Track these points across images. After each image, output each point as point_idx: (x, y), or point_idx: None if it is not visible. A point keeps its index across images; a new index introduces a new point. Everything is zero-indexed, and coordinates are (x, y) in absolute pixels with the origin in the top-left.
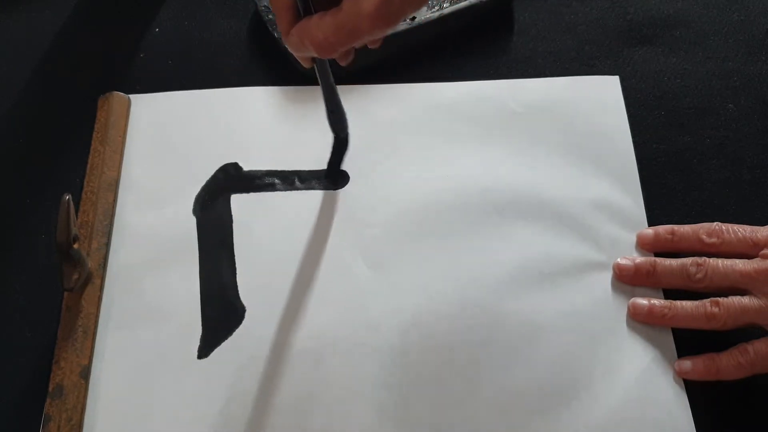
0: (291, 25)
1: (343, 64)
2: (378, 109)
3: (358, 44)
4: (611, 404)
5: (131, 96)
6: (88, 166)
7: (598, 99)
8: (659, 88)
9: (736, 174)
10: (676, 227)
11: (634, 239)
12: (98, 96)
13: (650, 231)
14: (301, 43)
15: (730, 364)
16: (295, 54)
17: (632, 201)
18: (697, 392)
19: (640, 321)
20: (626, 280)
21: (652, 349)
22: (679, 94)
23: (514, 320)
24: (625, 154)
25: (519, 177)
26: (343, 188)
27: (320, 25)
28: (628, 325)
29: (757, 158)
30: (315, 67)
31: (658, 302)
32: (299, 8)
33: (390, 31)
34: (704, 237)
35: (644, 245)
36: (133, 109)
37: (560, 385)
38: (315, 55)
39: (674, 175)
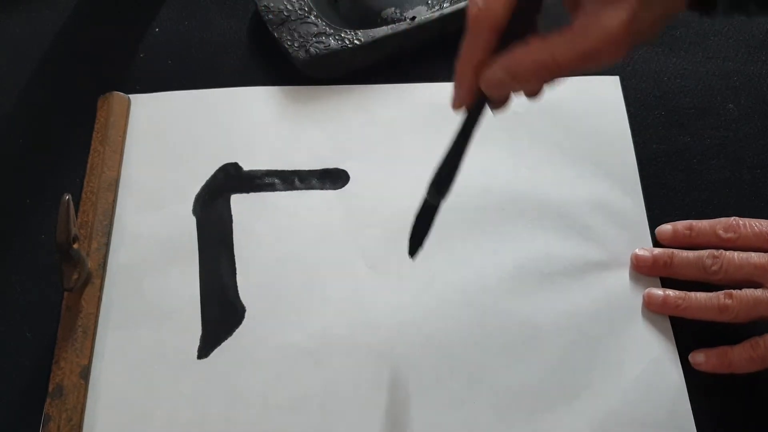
0: (488, 51)
1: (496, 114)
2: (378, 109)
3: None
4: (611, 403)
5: (131, 96)
6: (88, 166)
7: (598, 99)
8: (659, 88)
9: (736, 174)
10: (694, 222)
11: (634, 239)
12: (98, 96)
13: (669, 226)
14: (510, 75)
15: (742, 357)
16: (468, 88)
17: (632, 201)
18: (698, 391)
19: (655, 311)
20: (644, 270)
21: (652, 348)
22: (679, 94)
23: (514, 320)
24: (625, 154)
25: (519, 177)
26: (343, 188)
27: (546, 49)
28: (628, 324)
29: (757, 158)
30: (464, 116)
31: (672, 293)
32: (510, 32)
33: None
34: (721, 232)
35: (663, 240)
36: (133, 109)
37: (560, 384)
38: (513, 92)
39: (674, 175)
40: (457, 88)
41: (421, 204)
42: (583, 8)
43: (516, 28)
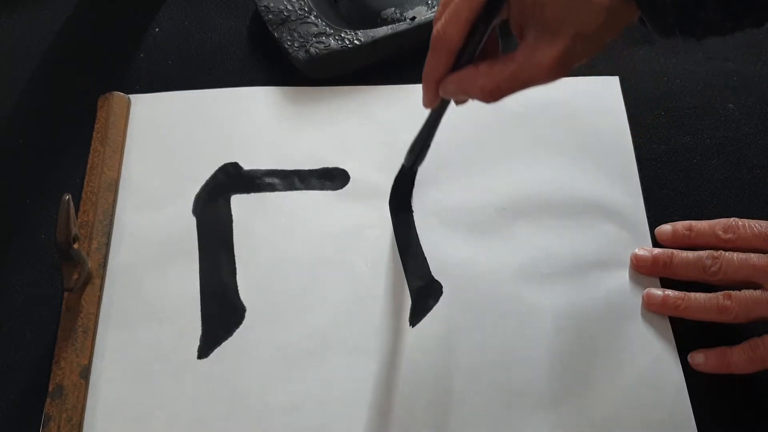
0: (447, 69)
1: (458, 105)
2: (379, 109)
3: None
4: (612, 403)
5: (131, 96)
6: (88, 166)
7: (598, 99)
8: (659, 88)
9: (736, 174)
10: (693, 223)
11: (633, 239)
12: (98, 96)
13: (668, 227)
14: (463, 91)
15: (741, 358)
16: (432, 95)
17: (632, 201)
18: (698, 391)
19: (654, 311)
20: (643, 270)
21: (652, 348)
22: (679, 94)
23: (513, 319)
24: (625, 154)
25: (519, 177)
26: (343, 188)
27: (491, 74)
28: (628, 324)
29: (757, 158)
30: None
31: (672, 293)
32: (464, 54)
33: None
34: (720, 233)
35: (662, 241)
36: (133, 109)
37: (560, 384)
38: (467, 100)
39: (674, 175)
40: (424, 93)
41: (400, 170)
42: (525, 40)
43: (471, 50)
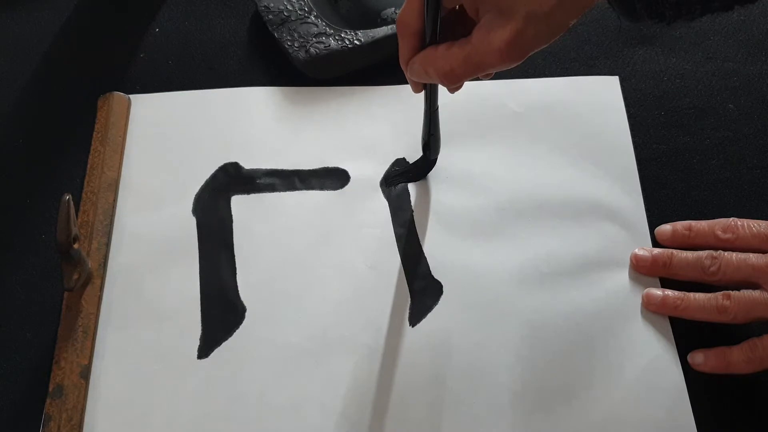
0: (414, 51)
1: (452, 92)
2: (379, 109)
3: (483, 75)
4: (611, 403)
5: (131, 96)
6: (88, 166)
7: (598, 99)
8: (659, 88)
9: (736, 174)
10: (693, 223)
11: (633, 239)
12: (98, 96)
13: (668, 227)
14: (425, 71)
15: (740, 358)
16: (411, 79)
17: (632, 201)
18: (698, 391)
19: (653, 311)
20: (643, 270)
21: (652, 348)
22: (679, 94)
23: (513, 319)
24: (625, 154)
25: (519, 177)
26: (343, 188)
27: (447, 56)
28: (628, 324)
29: (757, 158)
30: (424, 93)
31: (671, 293)
32: (426, 35)
33: (515, 65)
34: (719, 233)
35: (662, 241)
36: (133, 109)
37: (560, 384)
38: (435, 83)
39: (674, 175)
40: (407, 78)
41: (421, 160)
42: (480, 22)
43: (429, 31)
